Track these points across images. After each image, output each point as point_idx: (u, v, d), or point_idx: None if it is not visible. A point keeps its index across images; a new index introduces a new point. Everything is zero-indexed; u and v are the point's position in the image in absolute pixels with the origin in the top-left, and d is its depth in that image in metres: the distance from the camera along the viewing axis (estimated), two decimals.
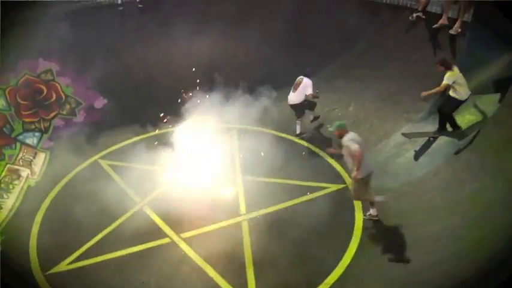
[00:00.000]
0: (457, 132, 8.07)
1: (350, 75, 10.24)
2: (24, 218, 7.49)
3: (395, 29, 9.87)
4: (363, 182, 6.93)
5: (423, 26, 9.28)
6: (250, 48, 11.48)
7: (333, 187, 8.14)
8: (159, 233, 7.25)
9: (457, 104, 7.92)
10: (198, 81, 9.94)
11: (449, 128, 8.18)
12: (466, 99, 7.83)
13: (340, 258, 6.67)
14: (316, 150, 9.24)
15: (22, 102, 8.99)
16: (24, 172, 8.24)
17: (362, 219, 7.34)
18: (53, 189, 8.15)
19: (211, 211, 7.67)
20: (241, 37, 11.43)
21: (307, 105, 9.51)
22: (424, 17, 9.16)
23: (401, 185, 7.79)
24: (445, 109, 8.03)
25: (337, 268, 6.53)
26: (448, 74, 7.64)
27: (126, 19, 10.97)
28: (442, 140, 8.10)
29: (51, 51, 9.45)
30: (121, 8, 10.73)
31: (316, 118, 9.70)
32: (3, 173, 8.06)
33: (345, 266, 6.57)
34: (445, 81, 7.63)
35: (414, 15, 9.29)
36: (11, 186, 7.92)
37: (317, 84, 9.38)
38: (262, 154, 8.80)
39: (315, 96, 9.23)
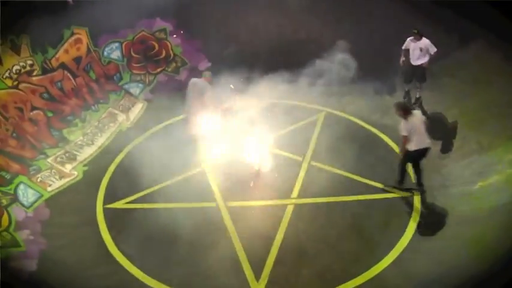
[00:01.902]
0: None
1: (459, 76, 9.04)
2: (107, 156, 8.55)
3: None
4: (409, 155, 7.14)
5: None
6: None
7: (397, 193, 7.49)
8: (209, 196, 7.62)
9: (408, 156, 7.23)
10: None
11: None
12: (419, 150, 7.08)
13: (370, 266, 6.27)
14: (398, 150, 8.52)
15: (134, 55, 10.13)
16: (121, 117, 9.37)
17: (412, 234, 6.73)
18: (138, 137, 9.06)
19: (265, 188, 7.82)
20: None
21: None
22: None
23: (471, 208, 6.85)
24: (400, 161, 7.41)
25: (362, 274, 6.17)
26: (401, 123, 7.13)
27: None
28: None
29: (168, 12, 10.30)
30: None
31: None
32: (104, 114, 9.31)
33: (372, 274, 6.16)
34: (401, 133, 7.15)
35: None
36: (106, 127, 9.10)
37: None
38: (339, 143, 8.55)
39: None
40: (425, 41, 8.81)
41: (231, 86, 9.10)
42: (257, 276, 6.23)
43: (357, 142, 8.73)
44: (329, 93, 10.07)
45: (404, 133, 7.04)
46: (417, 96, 9.35)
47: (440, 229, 6.81)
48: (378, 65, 9.74)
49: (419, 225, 6.91)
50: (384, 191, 7.55)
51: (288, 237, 6.80)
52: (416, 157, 7.23)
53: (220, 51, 10.59)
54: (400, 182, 7.51)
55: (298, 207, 7.36)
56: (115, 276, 6.30)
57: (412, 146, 7.09)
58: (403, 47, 9.15)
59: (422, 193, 7.41)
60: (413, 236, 6.76)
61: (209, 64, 10.64)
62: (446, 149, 8.14)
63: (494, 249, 5.98)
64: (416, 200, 7.36)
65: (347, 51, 9.60)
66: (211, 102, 8.48)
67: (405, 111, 7.08)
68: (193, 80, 8.71)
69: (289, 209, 7.31)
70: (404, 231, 6.83)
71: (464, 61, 9.10)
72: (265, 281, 6.16)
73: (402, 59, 9.18)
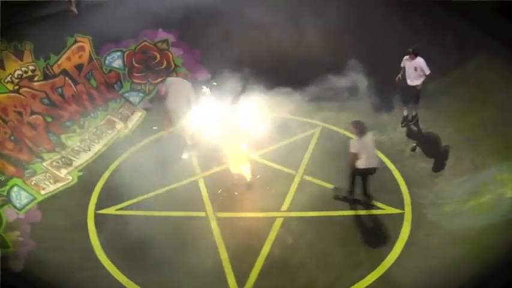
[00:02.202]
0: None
1: (455, 94, 9.04)
2: (102, 162, 8.68)
3: None
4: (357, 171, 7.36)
5: None
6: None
7: (389, 210, 7.46)
8: (199, 206, 7.66)
9: (356, 172, 7.45)
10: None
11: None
12: (367, 169, 7.29)
13: (355, 281, 6.21)
14: (392, 167, 8.53)
15: (136, 65, 10.33)
16: (119, 125, 9.50)
17: (400, 250, 6.68)
18: (136, 145, 9.19)
19: (255, 200, 7.85)
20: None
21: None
22: None
23: (461, 227, 6.79)
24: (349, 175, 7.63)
25: None
26: (352, 141, 7.33)
27: None
28: None
29: (171, 23, 10.53)
30: None
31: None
32: (103, 122, 9.46)
33: None
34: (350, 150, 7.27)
35: None
36: (104, 134, 9.24)
37: None
38: (333, 158, 8.58)
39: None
40: (419, 61, 8.66)
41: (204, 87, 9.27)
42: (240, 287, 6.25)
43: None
44: (326, 108, 10.17)
45: (353, 150, 7.21)
46: (413, 114, 9.31)
47: (429, 247, 6.75)
48: (377, 82, 9.79)
49: (407, 243, 6.89)
50: (372, 206, 7.53)
51: (275, 250, 6.79)
52: (364, 174, 7.47)
53: (221, 63, 10.76)
54: (350, 193, 7.68)
55: (287, 220, 7.35)
56: (101, 281, 6.34)
57: (361, 164, 7.26)
58: (401, 65, 9.16)
59: (370, 203, 7.59)
60: (402, 252, 6.68)
61: (209, 76, 10.80)
62: (437, 168, 8.12)
63: (482, 269, 5.95)
64: (406, 217, 7.32)
65: (348, 67, 9.72)
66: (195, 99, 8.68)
67: (360, 129, 7.24)
68: (172, 79, 8.99)
69: (278, 222, 7.31)
70: (392, 247, 6.76)
71: (460, 79, 9.12)
72: None
73: (398, 77, 9.12)
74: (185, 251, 6.80)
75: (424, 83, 8.81)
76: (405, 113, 9.34)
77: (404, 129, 9.30)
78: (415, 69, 8.72)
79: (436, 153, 8.48)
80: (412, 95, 9.07)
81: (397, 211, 7.44)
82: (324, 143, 9.27)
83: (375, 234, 7.10)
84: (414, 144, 8.87)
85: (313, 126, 9.80)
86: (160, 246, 6.87)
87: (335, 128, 9.70)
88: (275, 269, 6.49)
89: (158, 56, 10.44)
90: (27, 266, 6.35)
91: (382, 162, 7.93)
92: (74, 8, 9.06)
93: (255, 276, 6.36)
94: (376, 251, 6.76)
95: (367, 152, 7.21)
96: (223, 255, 6.72)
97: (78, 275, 6.35)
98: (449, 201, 7.44)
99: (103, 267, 6.55)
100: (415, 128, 9.22)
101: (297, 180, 8.22)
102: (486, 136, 8.09)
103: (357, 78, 9.55)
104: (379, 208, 7.53)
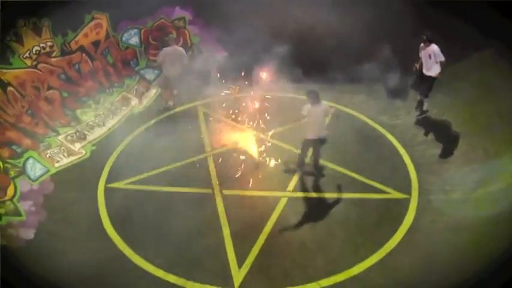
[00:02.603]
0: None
1: (473, 79, 8.73)
2: (115, 137, 8.87)
3: None
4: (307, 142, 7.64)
5: None
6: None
7: (395, 195, 7.40)
8: (207, 183, 7.78)
9: (306, 143, 7.69)
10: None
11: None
12: (316, 140, 7.50)
13: (354, 264, 6.27)
14: (402, 151, 8.41)
15: (152, 42, 10.38)
16: (134, 101, 9.68)
17: (402, 236, 6.65)
18: (149, 121, 9.36)
19: (263, 179, 7.90)
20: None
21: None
22: None
23: (467, 216, 6.68)
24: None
25: (345, 271, 6.18)
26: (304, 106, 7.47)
27: None
28: None
29: (188, 1, 10.52)
30: None
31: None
32: (118, 98, 9.64)
33: (354, 272, 6.16)
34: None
35: None
36: (118, 110, 9.44)
37: None
38: (343, 140, 8.53)
39: None
40: (433, 48, 8.39)
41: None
42: (240, 264, 6.35)
43: (362, 140, 8.70)
44: (342, 90, 10.05)
45: (304, 112, 7.49)
46: (424, 108, 9.03)
47: (432, 234, 6.69)
48: (397, 67, 9.61)
49: (410, 228, 6.84)
50: (379, 190, 7.48)
51: (277, 229, 6.87)
52: (315, 145, 7.67)
53: (239, 42, 10.71)
54: (299, 165, 7.93)
55: (291, 200, 7.41)
56: (105, 251, 6.59)
57: (310, 135, 7.51)
58: (419, 55, 8.83)
59: (320, 175, 7.82)
60: (404, 237, 6.67)
61: (225, 54, 10.81)
62: (448, 154, 7.97)
63: (484, 259, 5.85)
64: (412, 203, 7.25)
65: (369, 51, 9.56)
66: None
67: (313, 99, 7.40)
68: (167, 49, 9.30)
69: (283, 201, 7.37)
70: (395, 232, 6.74)
71: (479, 64, 8.80)
72: (247, 270, 6.28)
73: (415, 65, 8.88)
74: (189, 226, 6.94)
75: (440, 72, 8.52)
76: (419, 97, 9.15)
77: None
78: (430, 56, 8.45)
79: (448, 139, 8.32)
80: (424, 85, 8.86)
81: (404, 196, 7.38)
82: (336, 124, 9.17)
83: (379, 218, 7.04)
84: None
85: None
86: (164, 220, 7.09)
87: (348, 110, 9.64)
88: (275, 248, 6.59)
89: (175, 33, 10.46)
90: (37, 234, 6.70)
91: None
92: None
93: (255, 254, 6.47)
94: (378, 234, 6.74)
95: (317, 122, 7.46)
96: (226, 231, 6.86)
97: (84, 245, 6.63)
98: (458, 189, 7.33)
99: (109, 238, 6.80)
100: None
101: (306, 161, 8.24)
102: (502, 124, 7.84)
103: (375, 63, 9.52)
104: (385, 192, 7.49)
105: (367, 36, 9.78)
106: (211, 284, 6.14)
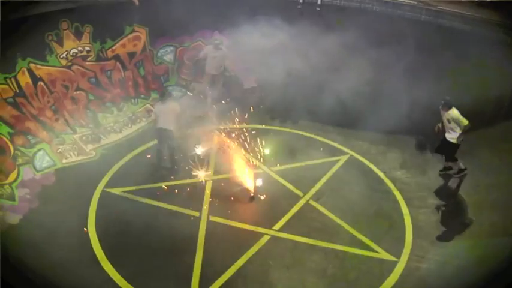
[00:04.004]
0: None
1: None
2: (128, 145, 9.19)
3: None
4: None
5: None
6: None
7: (382, 254, 6.97)
8: (197, 206, 7.77)
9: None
10: None
11: None
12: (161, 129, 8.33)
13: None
14: (406, 211, 7.97)
15: (186, 62, 10.79)
16: (155, 115, 9.97)
17: None
18: None
19: (252, 212, 7.89)
20: None
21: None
22: None
23: None
24: None
25: None
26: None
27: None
28: None
29: (226, 27, 10.76)
30: (299, 7, 10.98)
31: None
32: (141, 109, 10.05)
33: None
34: None
35: None
36: (138, 120, 9.82)
37: None
38: (348, 189, 8.32)
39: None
40: (452, 113, 8.03)
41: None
42: None
43: (366, 193, 8.37)
44: (365, 139, 9.88)
45: (154, 110, 8.75)
46: (462, 167, 8.51)
47: None
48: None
49: None
50: (368, 247, 7.13)
51: (249, 265, 6.72)
52: (161, 133, 8.50)
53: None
54: (159, 152, 8.74)
55: (273, 239, 7.23)
56: (78, 250, 6.77)
57: (158, 124, 8.45)
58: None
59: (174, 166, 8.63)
60: None
61: (255, 85, 10.99)
62: (449, 223, 7.54)
63: None
64: (398, 267, 6.78)
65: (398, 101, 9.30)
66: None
67: (162, 96, 8.62)
68: (211, 49, 10.01)
69: (265, 238, 7.22)
70: None
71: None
72: None
73: (438, 125, 8.46)
74: (165, 244, 6.99)
75: (461, 138, 8.13)
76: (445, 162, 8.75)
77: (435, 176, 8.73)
78: (449, 121, 8.09)
79: (458, 207, 7.89)
80: (446, 150, 8.45)
81: (391, 258, 6.96)
82: (345, 172, 8.97)
83: (357, 276, 6.67)
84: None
85: (342, 153, 9.57)
86: (145, 232, 7.17)
87: (363, 160, 9.36)
88: (240, 284, 6.43)
89: (221, 40, 10.50)
90: (22, 221, 7.06)
91: None
92: (136, 0, 9.73)
93: (218, 286, 6.35)
94: None
95: (163, 115, 8.35)
96: (199, 256, 6.80)
97: (61, 240, 6.83)
98: (452, 262, 6.78)
99: (88, 239, 6.97)
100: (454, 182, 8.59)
101: (301, 202, 8.05)
102: None
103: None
104: (373, 250, 7.10)
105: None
106: None
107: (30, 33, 8.57)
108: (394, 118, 9.02)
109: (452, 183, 8.59)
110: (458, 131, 8.09)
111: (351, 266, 6.85)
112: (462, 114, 8.05)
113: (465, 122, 7.95)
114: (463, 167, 8.48)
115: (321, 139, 9.98)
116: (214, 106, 10.00)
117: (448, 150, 8.45)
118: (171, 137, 8.48)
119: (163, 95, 8.65)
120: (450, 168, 8.67)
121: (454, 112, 7.99)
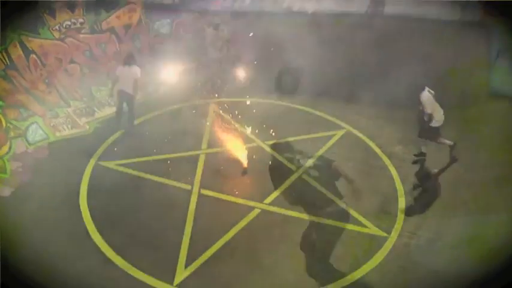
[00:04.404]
0: None
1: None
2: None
3: None
4: None
5: None
6: None
7: (372, 230, 6.94)
8: (189, 179, 7.78)
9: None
10: None
11: None
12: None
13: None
14: (400, 188, 7.87)
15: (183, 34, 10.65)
16: (151, 88, 10.05)
17: (360, 276, 6.22)
18: (160, 109, 9.67)
19: (244, 186, 7.83)
20: None
21: None
22: None
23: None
24: None
25: None
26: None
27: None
28: None
29: None
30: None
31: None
32: None
33: None
34: None
35: None
36: None
37: None
38: (341, 163, 8.10)
39: None
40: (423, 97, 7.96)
41: None
42: (187, 263, 6.28)
43: (361, 167, 8.24)
44: (362, 113, 9.73)
45: (116, 73, 8.64)
46: (422, 150, 8.46)
47: (394, 281, 6.19)
48: None
49: (374, 269, 6.33)
50: (358, 222, 7.08)
51: (237, 239, 6.73)
52: (121, 96, 8.66)
53: None
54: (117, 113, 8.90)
55: (263, 213, 7.21)
56: (69, 222, 6.82)
57: (119, 86, 8.56)
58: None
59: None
60: (362, 276, 6.21)
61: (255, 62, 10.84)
62: (443, 201, 7.38)
63: None
64: (388, 243, 6.72)
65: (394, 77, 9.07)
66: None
67: (126, 60, 8.55)
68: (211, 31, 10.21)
69: (254, 212, 7.20)
70: (356, 268, 6.30)
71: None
72: (191, 271, 6.18)
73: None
74: (155, 216, 7.06)
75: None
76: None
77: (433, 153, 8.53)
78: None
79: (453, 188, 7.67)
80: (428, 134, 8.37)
81: (381, 233, 6.90)
82: (341, 147, 8.87)
83: (346, 251, 6.60)
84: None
85: (338, 128, 9.44)
86: (135, 204, 7.27)
87: (359, 135, 9.23)
88: (227, 258, 6.43)
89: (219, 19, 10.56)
90: (13, 194, 7.12)
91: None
92: None
93: (205, 258, 6.36)
94: (339, 267, 6.32)
95: (123, 78, 8.48)
96: (188, 229, 6.83)
97: (53, 213, 6.91)
98: (441, 240, 6.71)
99: (79, 211, 7.02)
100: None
101: (293, 177, 7.98)
102: None
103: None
104: (363, 226, 7.05)
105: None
106: (153, 276, 6.10)
107: (22, 6, 8.46)
108: (393, 92, 8.88)
109: (448, 160, 8.39)
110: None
111: (340, 241, 6.74)
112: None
113: (428, 110, 7.95)
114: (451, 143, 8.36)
115: (318, 113, 9.89)
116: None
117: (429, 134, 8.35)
118: (130, 100, 8.62)
119: (128, 57, 8.60)
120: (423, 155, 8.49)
121: (425, 96, 7.99)
